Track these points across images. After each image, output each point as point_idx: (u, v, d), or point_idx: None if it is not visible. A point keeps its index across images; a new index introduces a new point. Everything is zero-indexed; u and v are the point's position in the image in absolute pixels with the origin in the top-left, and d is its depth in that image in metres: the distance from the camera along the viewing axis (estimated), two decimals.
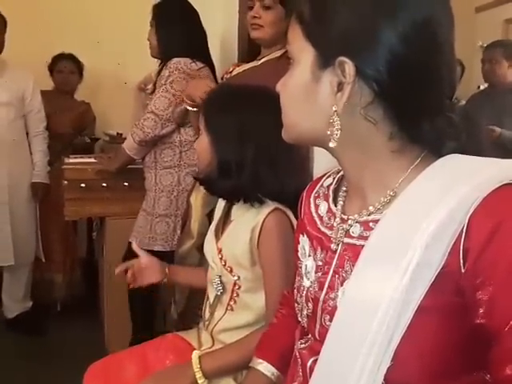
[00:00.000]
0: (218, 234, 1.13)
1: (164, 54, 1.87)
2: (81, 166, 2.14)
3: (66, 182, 2.08)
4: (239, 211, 1.08)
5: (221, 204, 1.18)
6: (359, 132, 0.61)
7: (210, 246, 1.13)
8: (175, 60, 1.82)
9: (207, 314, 1.14)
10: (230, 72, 1.74)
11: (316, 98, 0.61)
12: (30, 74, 2.41)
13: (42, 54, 2.71)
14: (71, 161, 2.21)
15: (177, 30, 1.85)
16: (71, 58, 2.76)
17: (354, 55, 0.57)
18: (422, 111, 0.59)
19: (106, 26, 2.85)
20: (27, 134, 2.42)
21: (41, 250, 2.54)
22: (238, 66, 1.75)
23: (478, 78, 2.95)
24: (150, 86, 2.15)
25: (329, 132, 0.60)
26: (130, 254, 1.94)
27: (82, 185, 2.06)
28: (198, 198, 1.61)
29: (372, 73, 0.57)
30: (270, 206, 1.03)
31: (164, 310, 2.10)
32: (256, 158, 1.01)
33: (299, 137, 0.67)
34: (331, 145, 0.61)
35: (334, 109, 0.59)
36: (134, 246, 1.30)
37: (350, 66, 0.57)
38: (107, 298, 2.17)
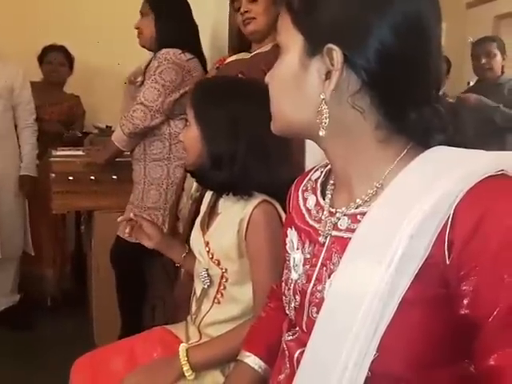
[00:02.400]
0: (204, 227, 1.12)
1: (160, 45, 1.85)
2: (69, 158, 2.12)
3: (53, 175, 2.06)
4: (226, 204, 1.08)
5: (207, 197, 1.17)
6: (347, 120, 0.61)
7: (196, 240, 1.13)
8: (164, 51, 1.80)
9: (194, 308, 1.14)
10: (220, 64, 1.73)
11: (304, 86, 0.61)
12: (19, 66, 2.38)
13: (33, 44, 2.68)
14: (59, 153, 2.19)
15: (176, 22, 1.86)
16: (62, 49, 2.73)
17: (342, 43, 0.57)
18: (409, 101, 0.59)
19: (95, 20, 2.83)
20: (16, 126, 2.39)
21: (30, 244, 2.52)
22: (229, 57, 1.75)
23: (469, 74, 2.96)
24: (139, 79, 2.14)
25: (317, 120, 0.60)
26: (118, 248, 1.95)
27: (70, 178, 2.04)
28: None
29: (361, 61, 0.57)
30: (258, 198, 1.03)
31: (153, 305, 2.10)
32: (247, 150, 1.00)
33: (288, 127, 0.66)
34: (320, 133, 0.61)
35: (321, 97, 0.59)
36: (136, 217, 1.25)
37: (338, 54, 0.57)
38: (95, 292, 2.16)
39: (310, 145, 1.25)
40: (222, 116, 1.03)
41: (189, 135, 1.08)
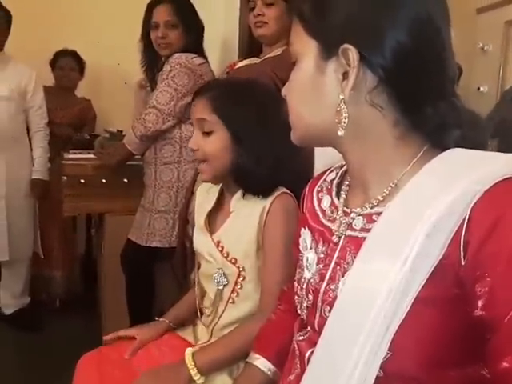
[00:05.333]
0: (211, 227, 1.12)
1: (181, 51, 1.86)
2: (80, 161, 2.14)
3: (65, 178, 2.08)
4: (241, 202, 1.08)
5: (204, 199, 1.17)
6: (365, 119, 0.62)
7: (203, 241, 1.12)
8: (177, 55, 1.82)
9: (208, 310, 1.12)
10: (230, 69, 1.74)
11: (323, 89, 0.62)
12: (32, 70, 2.41)
13: (45, 49, 2.72)
14: (71, 156, 2.21)
15: (198, 33, 1.92)
16: (73, 54, 2.77)
17: (357, 42, 0.58)
18: (426, 95, 0.60)
19: (106, 24, 2.87)
20: (28, 129, 2.42)
21: (39, 246, 2.54)
22: (239, 62, 1.76)
23: (479, 79, 2.95)
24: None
25: (337, 121, 0.61)
26: (128, 251, 1.96)
27: (82, 180, 2.06)
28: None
29: (377, 59, 0.58)
30: (278, 190, 1.04)
31: (161, 309, 2.10)
32: (277, 146, 1.00)
33: (308, 134, 0.67)
34: (339, 133, 0.61)
35: (341, 97, 0.60)
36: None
37: (353, 53, 0.58)
38: (105, 294, 2.17)
39: (319, 149, 1.26)
40: (250, 115, 1.03)
41: (216, 145, 1.04)
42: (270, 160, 1.02)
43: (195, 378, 0.99)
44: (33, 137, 2.43)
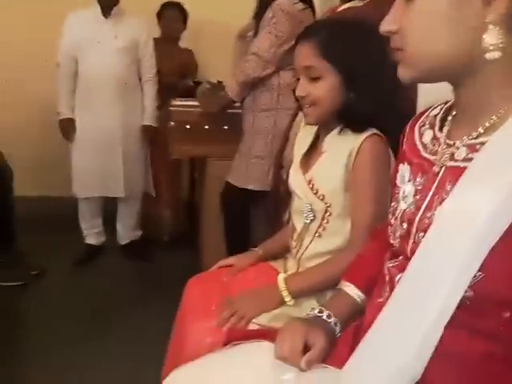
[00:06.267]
0: (305, 167, 1.17)
1: None
2: (186, 108, 2.27)
3: (172, 123, 2.25)
4: (333, 140, 1.11)
5: (301, 139, 1.22)
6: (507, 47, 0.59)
7: (296, 179, 1.18)
8: (278, 1, 1.83)
9: (294, 243, 1.21)
10: (331, 13, 1.73)
11: (463, 13, 0.59)
12: (144, 22, 2.59)
13: (153, 2, 2.87)
14: (178, 103, 2.36)
15: None
16: (177, 6, 2.88)
17: None
18: None
19: None
20: (139, 79, 2.62)
21: (151, 186, 2.81)
22: (340, 6, 1.74)
23: None
24: (249, 34, 2.21)
25: (480, 49, 0.59)
26: (227, 193, 2.11)
27: (187, 126, 2.20)
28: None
29: None
30: (369, 131, 1.06)
31: (256, 246, 2.24)
32: (385, 85, 1.01)
33: (431, 68, 0.64)
34: (490, 56, 0.59)
35: (487, 19, 0.58)
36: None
37: None
38: (206, 232, 2.32)
39: (423, 89, 1.23)
40: (363, 56, 1.03)
41: (326, 90, 1.05)
42: (377, 99, 1.03)
43: (286, 299, 1.09)
44: (143, 86, 2.61)
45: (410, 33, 0.64)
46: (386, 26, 0.66)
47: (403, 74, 0.66)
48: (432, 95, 0.80)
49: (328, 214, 1.12)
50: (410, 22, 0.63)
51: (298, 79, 1.10)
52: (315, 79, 1.06)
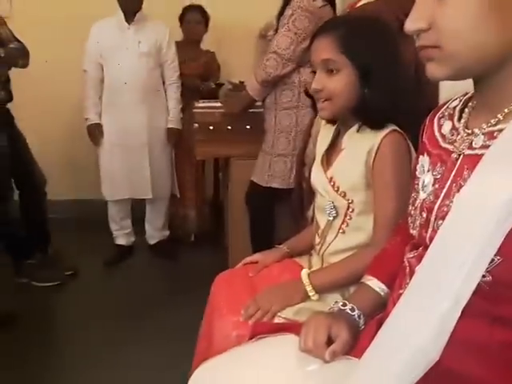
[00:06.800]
0: (325, 164, 1.18)
1: None
2: (209, 109, 2.31)
3: (196, 125, 2.28)
4: (352, 138, 1.12)
5: (323, 137, 1.23)
6: None
7: (318, 177, 1.20)
8: None
9: (318, 239, 1.22)
10: (351, 9, 1.73)
11: (503, 4, 0.57)
12: (166, 27, 2.64)
13: (175, 6, 2.94)
14: (201, 105, 2.41)
15: None
16: (199, 9, 2.93)
17: None
18: None
19: None
20: (163, 82, 2.67)
21: (176, 187, 2.87)
22: (359, 1, 1.74)
23: None
24: (270, 33, 2.23)
25: None
26: (252, 191, 2.14)
27: (211, 127, 2.23)
28: None
29: None
30: (389, 128, 1.07)
31: (280, 244, 2.25)
32: (401, 82, 1.03)
33: (469, 64, 0.62)
34: None
35: None
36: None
37: None
38: (231, 231, 2.35)
39: (445, 85, 1.22)
40: (381, 52, 1.04)
41: (342, 84, 1.06)
42: (394, 95, 1.04)
43: (310, 294, 1.11)
44: (167, 89, 2.68)
45: (448, 28, 0.60)
46: (414, 25, 0.62)
47: (436, 71, 0.64)
48: (454, 88, 0.80)
49: (350, 210, 1.13)
50: (448, 17, 0.60)
51: (315, 72, 1.11)
52: (332, 73, 1.07)
